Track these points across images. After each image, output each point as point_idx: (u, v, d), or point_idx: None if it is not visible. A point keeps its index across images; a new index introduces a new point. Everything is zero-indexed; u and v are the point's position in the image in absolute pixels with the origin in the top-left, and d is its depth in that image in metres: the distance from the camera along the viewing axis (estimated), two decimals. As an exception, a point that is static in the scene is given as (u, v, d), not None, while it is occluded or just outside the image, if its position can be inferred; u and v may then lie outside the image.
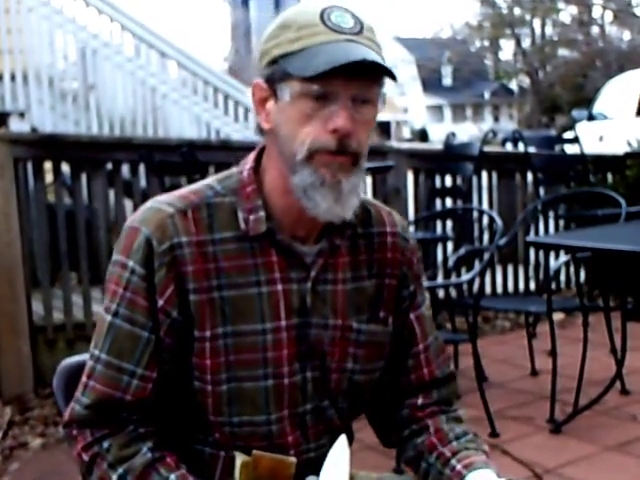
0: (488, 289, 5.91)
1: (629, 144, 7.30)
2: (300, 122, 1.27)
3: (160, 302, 1.31)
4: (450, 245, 5.81)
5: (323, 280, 1.38)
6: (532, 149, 6.32)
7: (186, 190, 1.38)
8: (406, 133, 44.37)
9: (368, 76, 1.26)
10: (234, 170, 1.40)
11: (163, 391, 1.34)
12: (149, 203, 1.37)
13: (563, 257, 5.04)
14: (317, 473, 1.31)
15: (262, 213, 1.34)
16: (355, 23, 1.28)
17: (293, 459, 1.33)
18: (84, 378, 1.35)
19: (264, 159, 1.38)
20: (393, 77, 1.27)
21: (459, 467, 1.37)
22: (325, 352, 1.38)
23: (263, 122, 1.34)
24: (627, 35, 37.14)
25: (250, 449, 1.33)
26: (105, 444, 1.31)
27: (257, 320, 1.33)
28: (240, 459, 1.32)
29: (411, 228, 5.40)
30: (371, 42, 1.28)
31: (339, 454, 1.32)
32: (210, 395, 1.34)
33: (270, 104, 1.32)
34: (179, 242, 1.31)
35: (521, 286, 6.18)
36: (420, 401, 1.48)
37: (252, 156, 1.40)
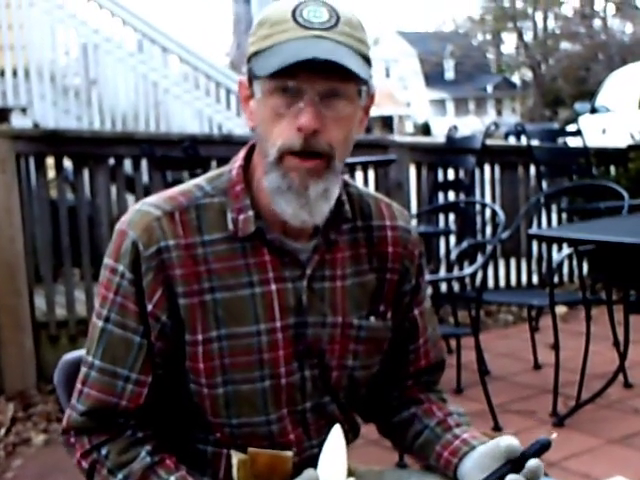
0: (491, 283, 5.91)
1: (632, 137, 7.28)
2: (272, 121, 1.25)
3: (149, 307, 1.29)
4: (453, 238, 5.81)
5: (320, 277, 1.36)
6: (535, 142, 6.30)
7: (175, 191, 1.36)
8: (409, 127, 44.30)
9: (336, 72, 1.21)
10: (225, 169, 1.39)
11: (160, 394, 1.33)
12: (137, 205, 1.35)
13: (566, 250, 5.03)
14: (319, 468, 1.31)
15: (250, 213, 1.32)
16: (330, 17, 1.24)
17: (290, 453, 1.32)
18: (79, 385, 1.34)
19: (254, 156, 1.36)
20: (357, 76, 1.22)
21: (466, 435, 1.38)
22: (324, 350, 1.37)
23: (248, 120, 1.34)
24: (629, 28, 37.13)
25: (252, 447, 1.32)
26: (103, 450, 1.30)
27: (251, 322, 1.31)
28: (236, 457, 1.31)
29: (413, 222, 5.39)
30: (347, 37, 1.24)
31: (335, 444, 1.32)
32: (207, 398, 1.33)
33: (252, 102, 1.31)
34: (166, 245, 1.29)
35: (524, 279, 6.18)
36: (410, 382, 1.50)
37: (242, 154, 1.38)
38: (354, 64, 1.22)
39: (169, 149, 4.85)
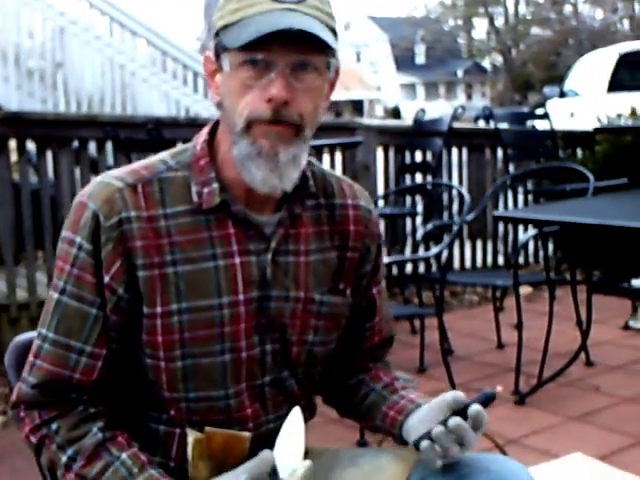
0: (457, 264, 5.95)
1: (599, 120, 7.32)
2: (240, 92, 1.26)
3: (106, 278, 1.28)
4: (419, 220, 5.82)
5: (284, 251, 1.36)
6: (504, 125, 6.32)
7: (138, 165, 1.36)
8: (379, 111, 44.28)
9: (307, 44, 1.23)
10: (189, 145, 1.38)
11: (114, 369, 1.32)
12: (99, 178, 1.34)
13: (531, 231, 5.06)
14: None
15: (215, 185, 1.32)
16: None
17: (247, 434, 1.30)
18: (31, 357, 1.32)
19: (218, 132, 1.37)
20: (329, 45, 1.24)
21: (412, 396, 1.41)
22: (286, 324, 1.37)
23: (214, 95, 1.34)
24: (599, 14, 37.35)
25: (207, 424, 1.31)
26: (54, 426, 1.29)
27: (213, 295, 1.31)
28: (192, 436, 1.30)
29: (380, 203, 5.40)
30: (316, 10, 1.25)
31: (293, 425, 1.30)
32: (164, 372, 1.31)
33: (218, 77, 1.31)
34: (128, 217, 1.28)
35: (489, 261, 6.22)
36: (361, 357, 1.53)
37: (206, 130, 1.38)
38: (325, 35, 1.23)
39: (134, 132, 4.81)
